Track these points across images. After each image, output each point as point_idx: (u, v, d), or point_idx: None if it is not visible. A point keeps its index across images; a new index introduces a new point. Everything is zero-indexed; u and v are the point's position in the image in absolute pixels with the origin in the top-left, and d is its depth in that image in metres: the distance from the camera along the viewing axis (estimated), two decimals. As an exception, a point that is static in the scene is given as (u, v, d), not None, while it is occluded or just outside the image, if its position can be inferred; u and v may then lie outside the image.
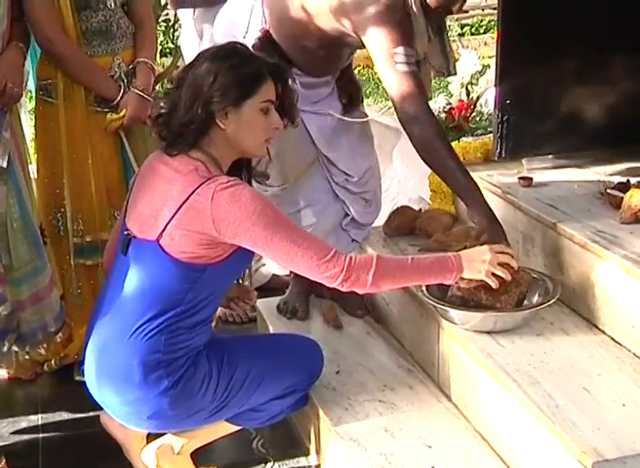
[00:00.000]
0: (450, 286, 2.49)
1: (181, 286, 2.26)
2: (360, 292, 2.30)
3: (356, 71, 3.64)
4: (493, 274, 2.33)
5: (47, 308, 2.94)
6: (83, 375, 2.46)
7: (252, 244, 2.22)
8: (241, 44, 2.47)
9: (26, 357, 3.14)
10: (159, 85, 3.36)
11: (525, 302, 2.49)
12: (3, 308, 2.74)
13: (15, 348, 2.87)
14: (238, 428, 2.58)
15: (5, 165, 2.77)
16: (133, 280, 2.29)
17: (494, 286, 2.34)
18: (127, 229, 2.35)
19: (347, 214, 3.10)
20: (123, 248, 2.34)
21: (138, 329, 2.25)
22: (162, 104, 2.38)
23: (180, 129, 2.27)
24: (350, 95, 3.04)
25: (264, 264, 3.66)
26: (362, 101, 3.13)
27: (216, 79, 2.22)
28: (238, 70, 2.25)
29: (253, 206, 2.19)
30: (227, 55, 2.30)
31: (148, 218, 2.28)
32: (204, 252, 2.23)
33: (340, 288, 2.26)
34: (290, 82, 2.39)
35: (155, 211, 2.26)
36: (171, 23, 7.11)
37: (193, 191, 2.20)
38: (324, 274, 2.22)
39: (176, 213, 2.21)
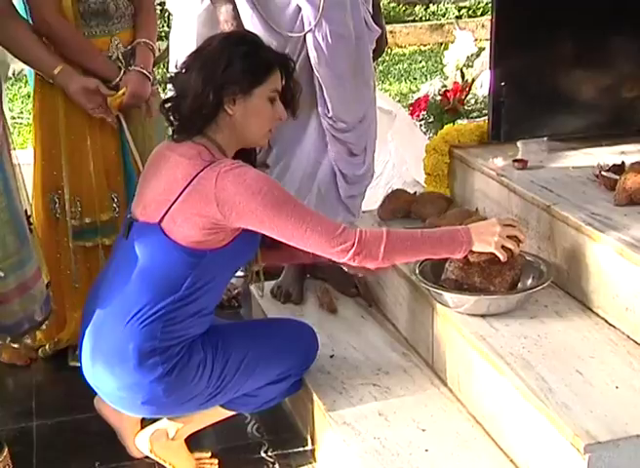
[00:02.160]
0: (444, 268, 2.49)
1: (181, 271, 2.25)
2: (372, 266, 2.28)
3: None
4: (502, 247, 2.32)
5: (33, 298, 2.92)
6: (78, 361, 2.46)
7: (259, 224, 2.21)
8: (250, 32, 2.50)
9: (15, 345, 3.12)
10: (155, 68, 3.34)
11: (519, 285, 2.49)
12: None
13: None
14: (233, 413, 2.58)
15: None
16: (132, 263, 2.29)
17: (502, 258, 2.33)
18: (130, 213, 2.35)
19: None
20: (125, 231, 2.34)
21: (136, 314, 2.25)
22: (170, 89, 2.38)
23: (189, 114, 2.27)
24: None
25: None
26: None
27: (228, 65, 2.24)
28: (250, 58, 2.27)
29: (258, 186, 2.19)
30: (239, 42, 2.32)
31: (151, 202, 2.28)
32: (205, 236, 2.22)
33: (351, 263, 2.25)
34: (294, 75, 2.41)
35: (158, 194, 2.26)
36: (166, 7, 7.08)
37: (197, 174, 2.20)
38: (335, 249, 2.22)
39: (179, 195, 2.21)
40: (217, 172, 2.19)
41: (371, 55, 3.08)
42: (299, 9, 2.85)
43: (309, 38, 2.87)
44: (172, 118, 2.35)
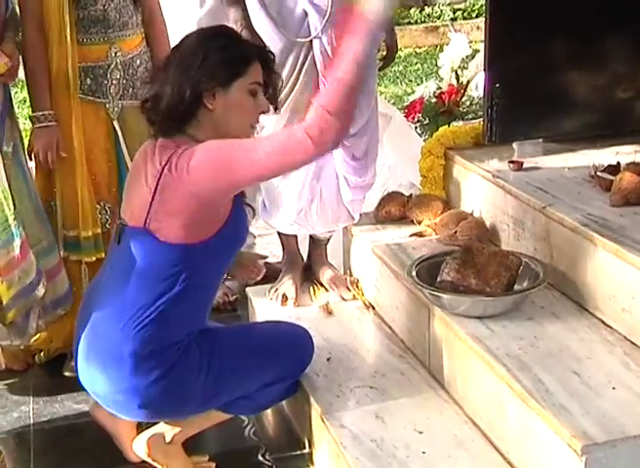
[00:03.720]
0: (440, 270, 2.49)
1: (172, 268, 2.24)
2: (340, 136, 2.10)
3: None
4: None
5: (58, 286, 2.98)
6: (73, 371, 2.45)
7: (216, 171, 2.16)
8: (227, 27, 2.47)
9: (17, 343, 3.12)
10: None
11: (515, 286, 2.48)
12: (42, 283, 2.87)
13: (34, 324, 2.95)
14: (230, 416, 2.57)
15: (10, 149, 2.81)
16: (127, 267, 2.28)
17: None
18: (121, 219, 2.35)
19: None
20: (116, 237, 2.34)
21: (132, 316, 2.25)
22: (149, 87, 2.35)
23: (169, 111, 2.25)
24: None
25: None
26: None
27: (204, 59, 2.22)
28: (227, 51, 2.25)
29: (208, 144, 2.18)
30: (215, 35, 2.30)
31: (137, 205, 2.28)
32: (191, 230, 2.21)
33: (323, 152, 2.11)
34: (275, 68, 2.38)
35: (141, 197, 2.25)
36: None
37: (163, 168, 2.19)
38: (297, 150, 2.09)
39: (154, 195, 2.20)
40: (177, 155, 2.18)
41: (376, 60, 3.09)
42: (305, 14, 2.86)
43: (316, 43, 2.87)
44: (152, 117, 2.33)
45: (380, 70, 3.22)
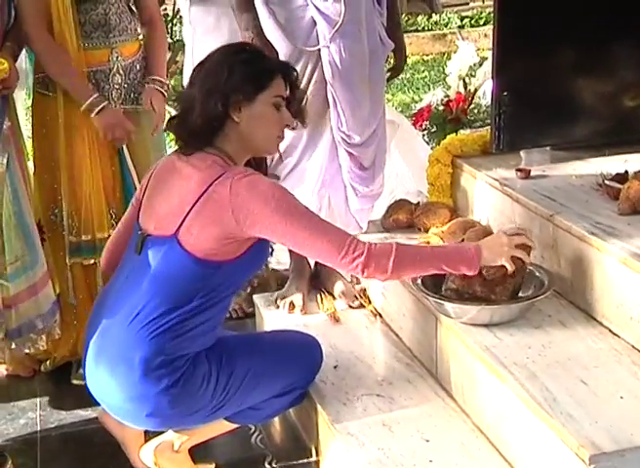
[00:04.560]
0: (445, 277, 2.49)
1: (195, 282, 2.26)
2: (380, 279, 2.29)
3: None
4: (512, 257, 2.32)
5: (39, 303, 2.94)
6: (81, 379, 2.45)
7: (271, 232, 2.22)
8: (250, 43, 2.56)
9: (25, 351, 3.11)
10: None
11: (520, 294, 2.48)
12: None
13: (1, 345, 2.86)
14: (236, 426, 2.57)
15: (4, 161, 2.78)
16: (146, 276, 2.29)
17: (510, 269, 2.31)
18: (140, 229, 2.35)
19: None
20: (137, 247, 2.33)
21: (147, 323, 2.25)
22: (176, 106, 2.41)
23: (198, 127, 2.29)
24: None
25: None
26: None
27: (230, 73, 2.26)
28: (251, 65, 2.30)
29: (270, 192, 2.21)
30: (239, 51, 2.36)
31: (166, 215, 2.29)
32: (220, 247, 2.23)
33: (360, 275, 2.26)
34: (298, 83, 2.44)
35: (173, 207, 2.27)
36: (169, 18, 7.11)
37: (212, 182, 2.22)
38: (344, 260, 2.21)
39: (194, 205, 2.22)
40: (230, 179, 2.21)
41: (384, 69, 3.10)
42: (314, 23, 2.87)
43: (324, 52, 2.89)
44: (179, 133, 2.37)
45: (388, 80, 3.23)
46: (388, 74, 3.20)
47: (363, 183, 3.09)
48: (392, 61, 3.20)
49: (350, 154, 3.03)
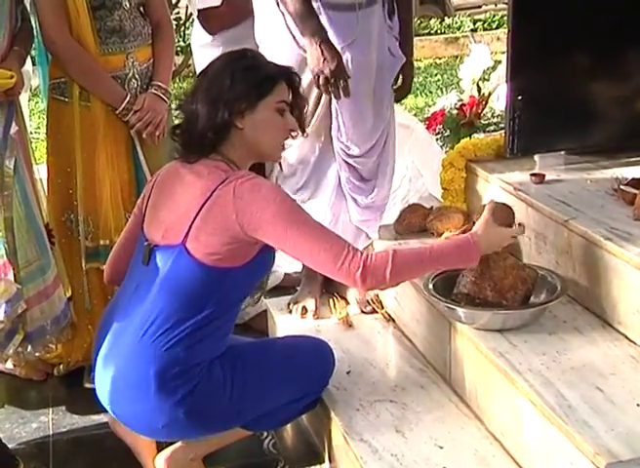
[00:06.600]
0: (456, 282, 2.48)
1: (205, 290, 2.25)
2: (381, 288, 2.30)
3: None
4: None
5: (52, 306, 2.94)
6: (93, 382, 2.44)
7: (273, 237, 2.21)
8: (252, 49, 2.53)
9: (36, 354, 3.11)
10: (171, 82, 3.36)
11: (532, 299, 2.47)
12: (19, 305, 2.73)
13: (19, 349, 2.86)
14: (250, 433, 2.56)
15: (12, 166, 2.77)
16: (155, 287, 2.28)
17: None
18: (147, 240, 2.34)
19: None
20: (144, 258, 2.33)
21: (159, 336, 2.24)
22: (180, 115, 2.41)
23: (202, 135, 2.29)
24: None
25: (279, 265, 3.63)
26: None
27: (233, 81, 2.26)
28: (253, 71, 2.30)
29: (272, 196, 2.21)
30: (241, 57, 2.35)
31: (172, 224, 2.28)
32: (228, 253, 2.23)
33: (360, 287, 2.26)
34: (301, 90, 2.42)
35: (178, 215, 2.27)
36: (182, 22, 7.15)
37: (215, 188, 2.22)
38: (340, 272, 2.21)
39: (199, 212, 2.22)
40: (234, 182, 2.21)
41: (391, 84, 3.07)
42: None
43: None
44: (183, 142, 2.36)
45: (396, 101, 3.18)
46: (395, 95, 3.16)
47: (362, 194, 3.09)
48: (399, 82, 3.15)
49: (349, 165, 3.03)
